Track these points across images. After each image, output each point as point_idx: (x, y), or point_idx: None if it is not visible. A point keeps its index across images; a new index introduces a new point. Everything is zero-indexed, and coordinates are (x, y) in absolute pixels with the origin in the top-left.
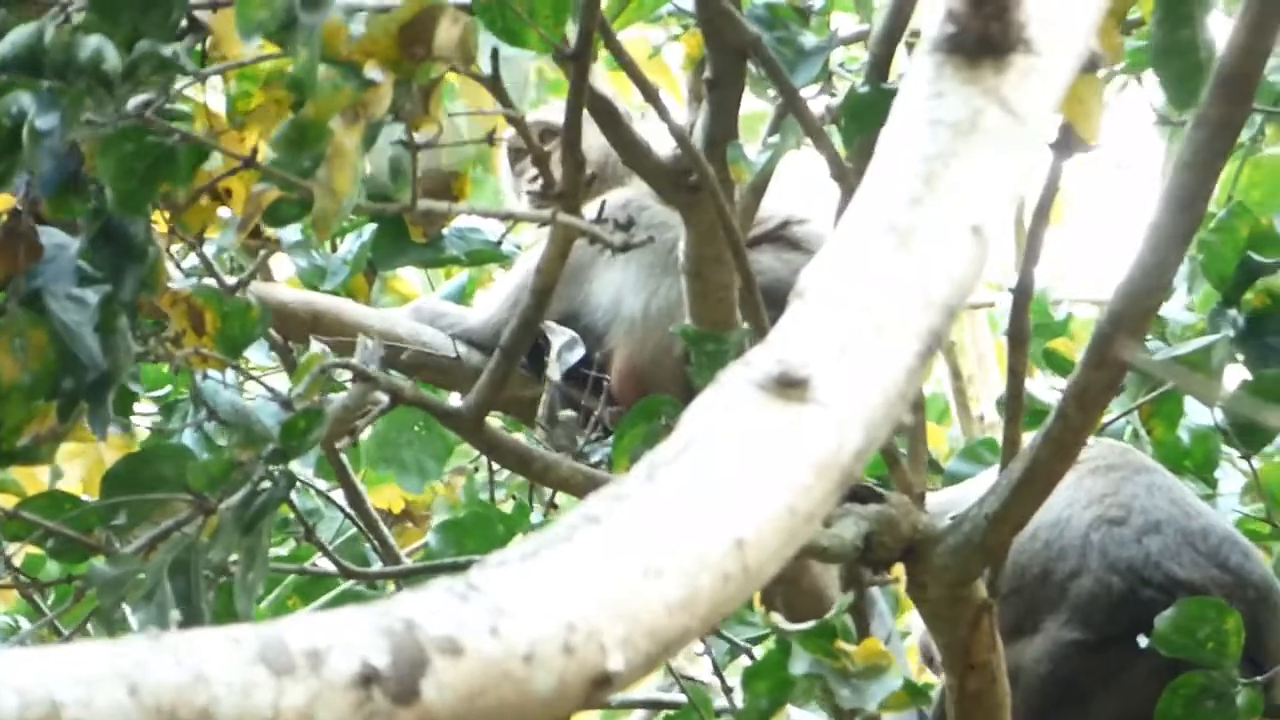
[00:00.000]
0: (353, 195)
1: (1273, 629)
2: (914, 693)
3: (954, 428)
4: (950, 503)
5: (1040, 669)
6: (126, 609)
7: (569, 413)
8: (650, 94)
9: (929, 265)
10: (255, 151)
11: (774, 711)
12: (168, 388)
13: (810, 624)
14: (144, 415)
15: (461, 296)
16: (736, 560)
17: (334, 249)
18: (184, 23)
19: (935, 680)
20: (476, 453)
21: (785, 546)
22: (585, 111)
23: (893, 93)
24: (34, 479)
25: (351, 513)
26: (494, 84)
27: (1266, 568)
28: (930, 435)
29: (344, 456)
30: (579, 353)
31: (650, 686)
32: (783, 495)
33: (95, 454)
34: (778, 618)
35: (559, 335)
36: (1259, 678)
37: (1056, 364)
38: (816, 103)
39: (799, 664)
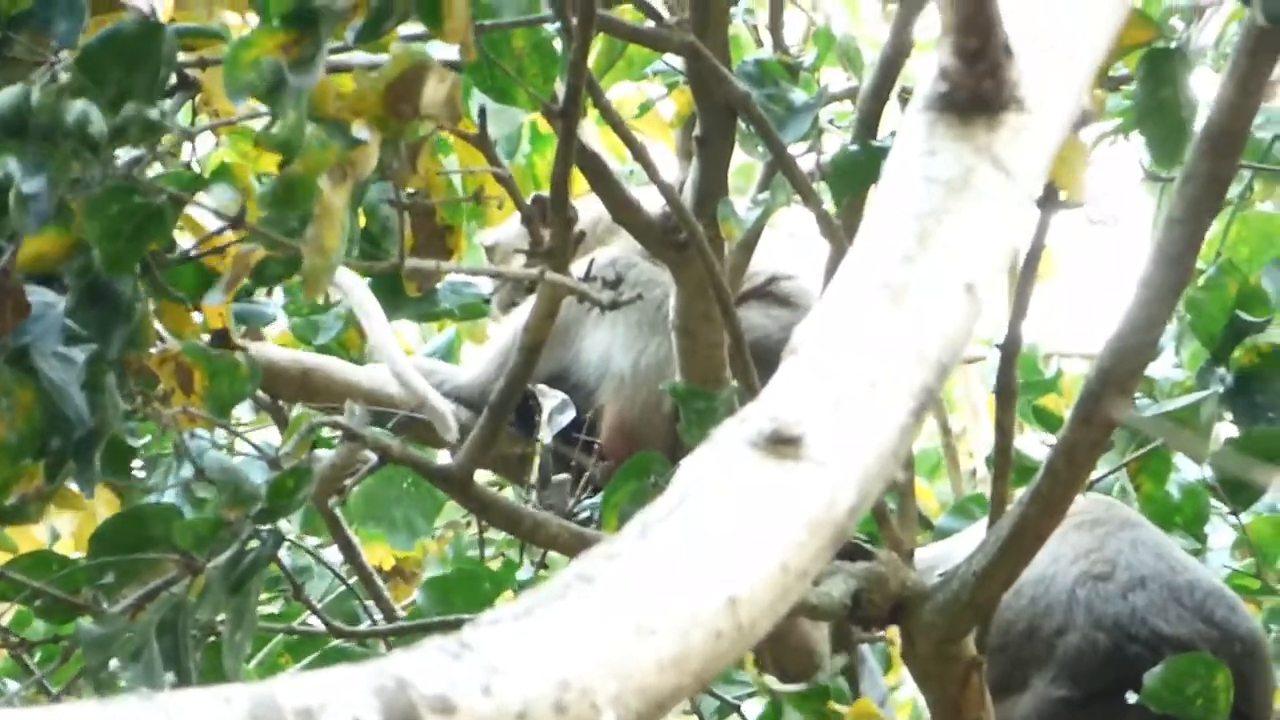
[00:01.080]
0: (340, 253)
1: (1259, 683)
2: None
3: (944, 483)
4: (937, 558)
5: None
6: (117, 668)
7: (562, 476)
8: (638, 151)
9: (922, 322)
10: (244, 210)
11: None
12: (146, 438)
13: (803, 685)
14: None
15: (449, 352)
16: (729, 618)
17: (328, 302)
18: (174, 79)
19: None
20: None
21: (778, 604)
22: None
23: (882, 150)
24: (29, 535)
25: (339, 571)
26: (482, 142)
27: (1254, 621)
28: (920, 491)
29: (338, 513)
30: (570, 415)
31: None
32: (776, 553)
33: (89, 510)
34: (770, 679)
35: (550, 398)
36: None
37: (1045, 420)
38: (807, 159)
39: None
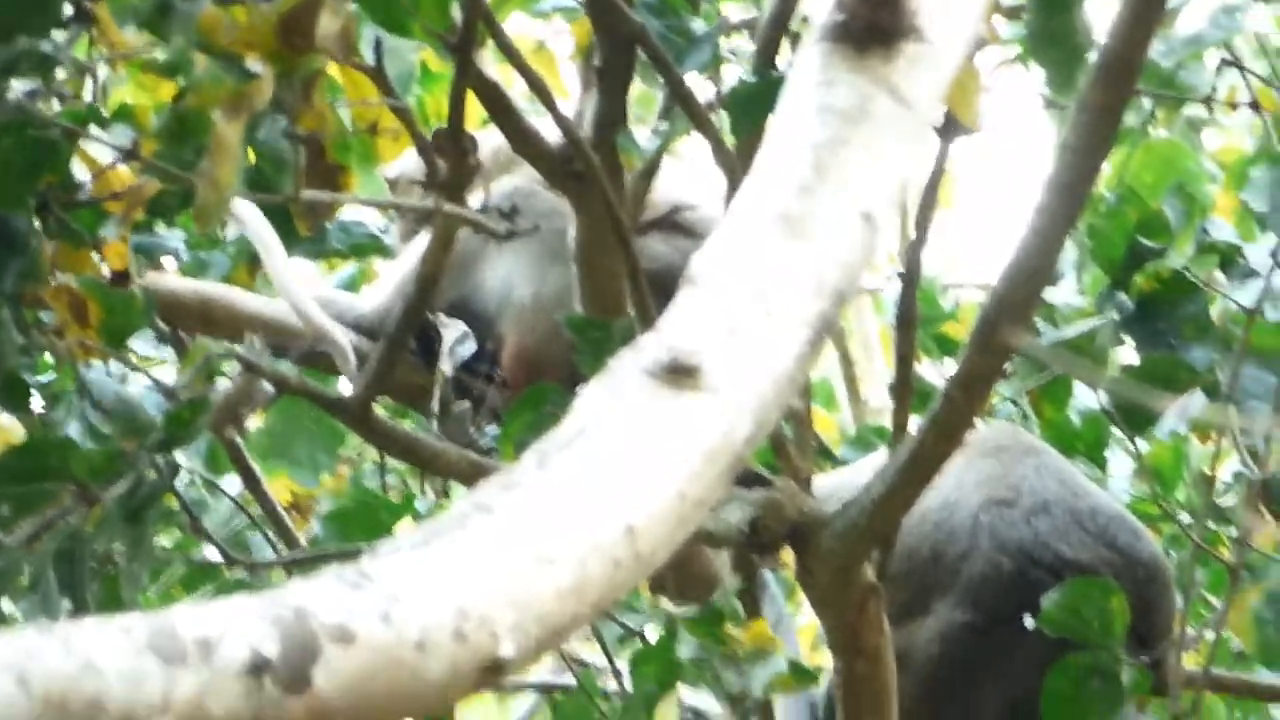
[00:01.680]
0: (235, 186)
1: (1161, 608)
2: (800, 675)
3: (845, 413)
4: (838, 486)
5: (930, 650)
6: (8, 604)
7: (463, 403)
8: (535, 84)
9: (820, 252)
10: (137, 143)
11: (662, 695)
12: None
13: (698, 607)
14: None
15: (351, 287)
16: (627, 547)
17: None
18: (71, 11)
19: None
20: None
21: (675, 532)
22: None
23: (780, 81)
24: None
25: (240, 502)
26: (378, 75)
27: (1156, 547)
28: (820, 421)
29: (241, 445)
30: (471, 347)
31: (544, 670)
32: (673, 482)
33: None
34: (665, 601)
35: (451, 329)
36: (1146, 656)
37: (947, 348)
38: (709, 86)
39: (686, 648)
